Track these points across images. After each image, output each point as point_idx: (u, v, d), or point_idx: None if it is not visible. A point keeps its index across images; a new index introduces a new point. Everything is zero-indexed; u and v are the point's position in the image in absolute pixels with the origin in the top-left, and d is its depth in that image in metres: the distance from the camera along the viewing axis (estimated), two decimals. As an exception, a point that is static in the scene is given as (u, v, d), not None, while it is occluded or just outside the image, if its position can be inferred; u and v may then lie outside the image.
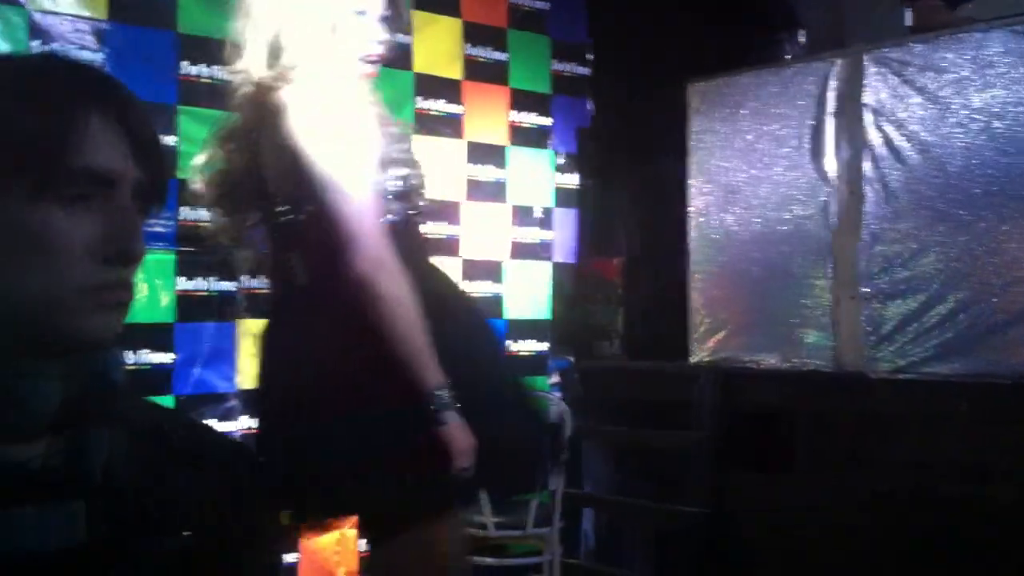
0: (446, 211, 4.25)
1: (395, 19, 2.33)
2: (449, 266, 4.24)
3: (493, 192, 4.40)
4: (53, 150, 0.83)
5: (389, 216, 2.13)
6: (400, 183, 2.23)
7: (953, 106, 3.42)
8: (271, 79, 2.10)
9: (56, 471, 0.84)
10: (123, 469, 0.88)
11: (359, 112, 2.16)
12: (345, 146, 2.07)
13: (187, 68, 3.64)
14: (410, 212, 2.28)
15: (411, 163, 2.34)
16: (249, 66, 2.14)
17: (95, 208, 0.85)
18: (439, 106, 4.26)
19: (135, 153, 0.88)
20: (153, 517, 0.89)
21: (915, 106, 3.51)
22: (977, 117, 3.37)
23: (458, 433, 1.99)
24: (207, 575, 0.92)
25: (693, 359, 4.05)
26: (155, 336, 3.51)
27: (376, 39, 2.27)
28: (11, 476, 0.82)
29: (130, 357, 3.42)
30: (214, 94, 3.67)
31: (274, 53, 2.11)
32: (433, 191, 4.14)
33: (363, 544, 3.92)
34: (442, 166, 4.24)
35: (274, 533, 1.08)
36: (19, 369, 0.83)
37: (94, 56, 3.38)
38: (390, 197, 2.17)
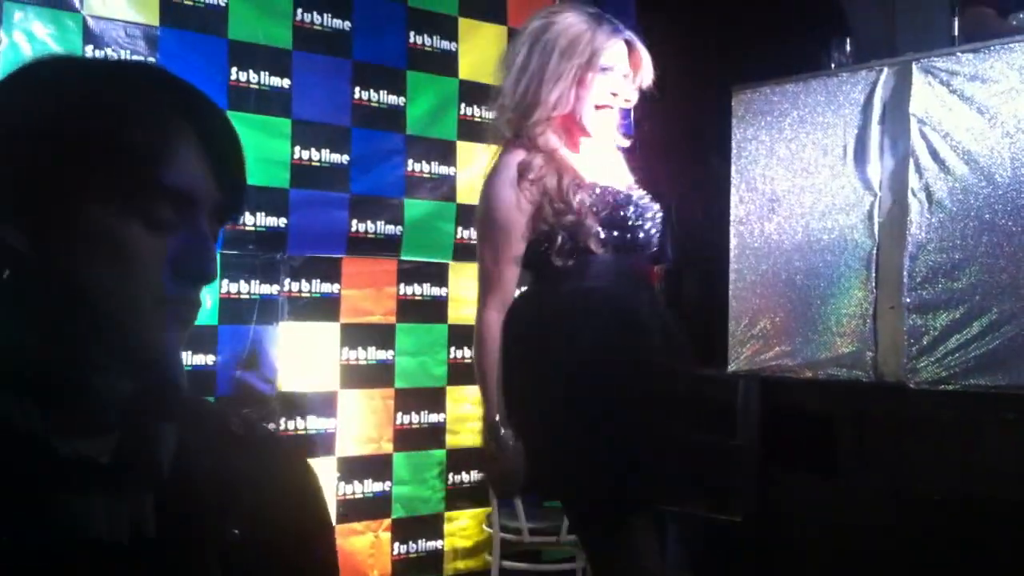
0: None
1: (635, 77, 2.64)
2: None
3: (534, 198, 4.40)
4: (146, 169, 0.86)
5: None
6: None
7: (1001, 116, 3.37)
8: (519, 122, 2.47)
9: (125, 465, 0.87)
10: (190, 463, 0.91)
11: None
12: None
13: (237, 74, 3.70)
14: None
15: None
16: (504, 108, 2.52)
17: (176, 226, 0.87)
18: (483, 113, 4.27)
19: (219, 173, 0.91)
20: (219, 510, 0.91)
21: (962, 116, 3.46)
22: (1025, 127, 3.32)
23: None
24: (269, 568, 0.94)
25: (731, 368, 4.02)
26: (198, 339, 3.57)
27: (613, 91, 2.55)
28: (82, 469, 0.84)
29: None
30: (263, 100, 3.74)
31: (525, 100, 2.46)
32: (475, 197, 4.20)
33: (397, 547, 3.96)
34: (485, 172, 4.26)
35: (332, 531, 1.10)
36: (93, 366, 0.86)
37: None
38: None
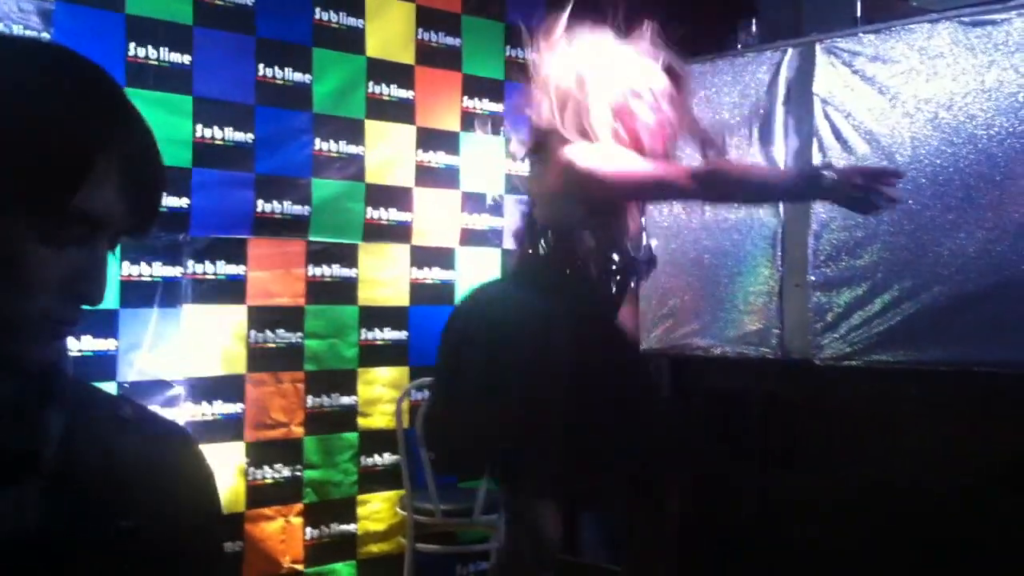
0: (398, 197, 4.22)
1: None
2: (399, 252, 4.22)
3: (444, 178, 4.37)
4: (55, 186, 0.80)
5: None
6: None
7: (901, 96, 3.44)
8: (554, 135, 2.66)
9: (6, 456, 0.83)
10: (76, 454, 0.87)
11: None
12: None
13: (135, 50, 3.59)
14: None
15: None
16: (541, 123, 2.70)
17: (75, 247, 0.83)
18: (391, 91, 4.23)
19: (133, 198, 0.86)
20: (107, 502, 0.88)
21: (864, 96, 3.53)
22: (924, 108, 3.40)
23: None
24: (157, 560, 0.91)
25: (643, 347, 4.06)
26: (98, 323, 3.47)
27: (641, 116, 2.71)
28: None
29: (73, 344, 3.37)
30: (162, 77, 3.64)
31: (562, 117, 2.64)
32: (384, 176, 4.16)
33: (309, 532, 3.92)
34: (394, 151, 4.22)
35: (221, 520, 1.07)
36: None
37: (40, 38, 3.32)
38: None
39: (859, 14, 3.85)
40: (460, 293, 4.39)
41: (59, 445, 0.86)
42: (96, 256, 0.85)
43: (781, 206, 3.70)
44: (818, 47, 3.65)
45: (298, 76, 3.97)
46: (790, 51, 3.75)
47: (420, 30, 4.32)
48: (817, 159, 3.60)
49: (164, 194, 0.91)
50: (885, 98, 3.47)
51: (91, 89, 0.86)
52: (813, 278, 3.58)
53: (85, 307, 0.87)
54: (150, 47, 3.63)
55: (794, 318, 3.66)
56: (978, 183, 3.27)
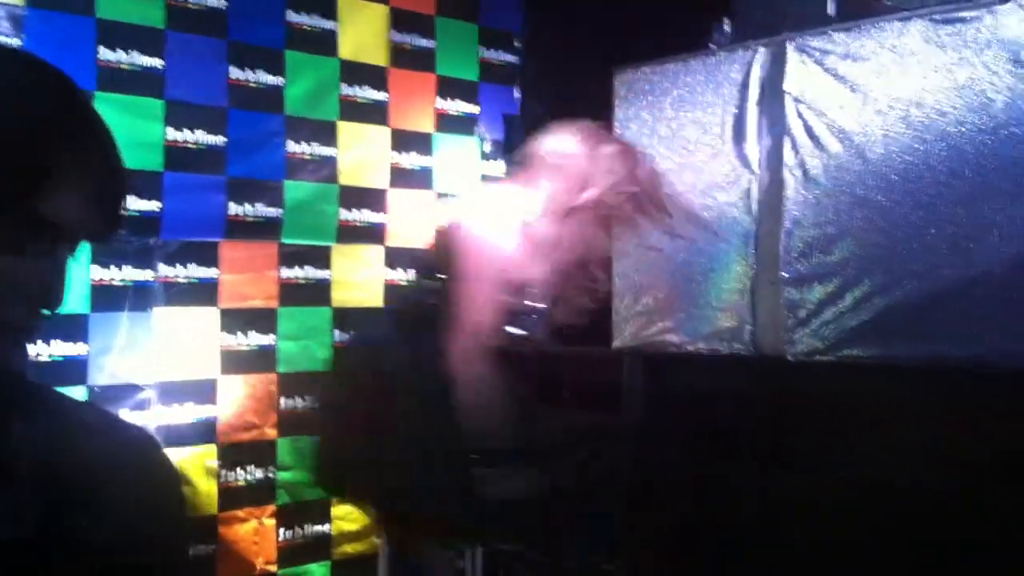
0: (371, 199, 4.21)
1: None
2: (374, 254, 4.21)
3: (419, 179, 4.37)
4: (17, 192, 0.79)
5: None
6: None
7: (873, 94, 3.44)
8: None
9: None
10: (37, 462, 0.84)
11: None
12: None
13: (106, 54, 3.58)
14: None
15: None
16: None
17: (35, 254, 0.82)
18: (365, 93, 4.22)
19: (96, 207, 0.85)
20: (68, 510, 0.85)
21: (836, 94, 3.53)
22: (896, 105, 3.40)
23: None
24: (121, 568, 0.89)
25: (616, 344, 4.05)
26: (68, 327, 3.45)
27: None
28: None
29: (43, 349, 3.35)
30: (134, 80, 3.62)
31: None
32: (358, 178, 4.15)
33: (283, 533, 3.90)
34: (367, 153, 4.21)
35: (191, 526, 1.05)
36: None
37: (11, 43, 3.31)
38: None
39: (833, 12, 3.85)
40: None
41: (19, 453, 0.83)
42: (56, 263, 0.84)
43: (754, 204, 3.70)
44: (789, 45, 3.65)
45: (271, 79, 3.97)
46: (761, 50, 3.76)
47: (394, 32, 4.32)
48: (790, 157, 3.60)
49: (126, 200, 0.90)
50: (857, 95, 3.47)
51: (51, 96, 0.85)
52: (786, 274, 3.58)
53: (50, 312, 0.85)
54: (121, 51, 3.63)
55: (767, 314, 3.66)
56: (949, 179, 3.27)
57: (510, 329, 2.93)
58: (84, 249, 0.90)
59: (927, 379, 3.27)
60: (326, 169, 4.08)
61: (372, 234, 4.19)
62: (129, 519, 0.90)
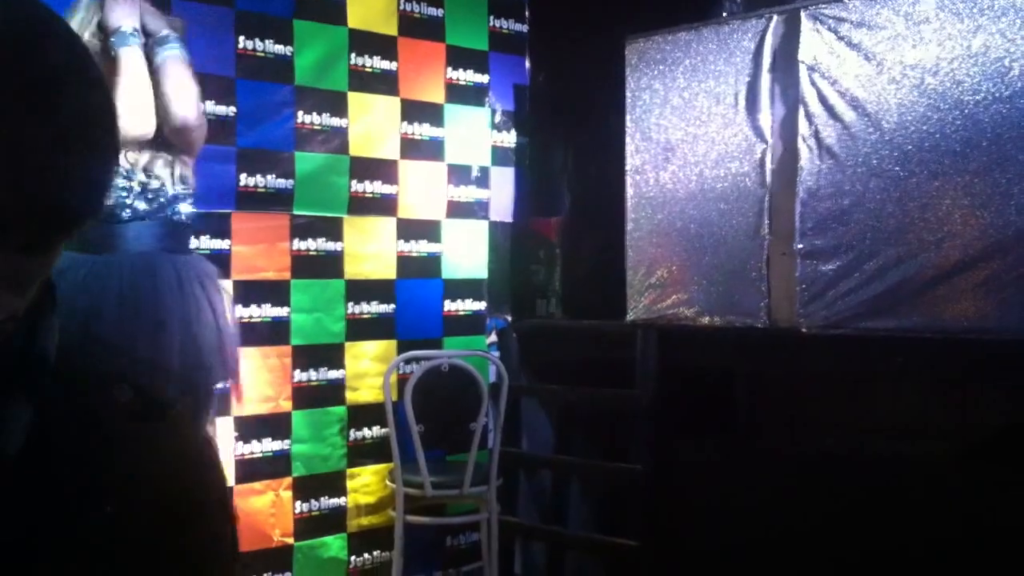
0: (382, 170, 4.19)
1: None
2: (385, 225, 4.20)
3: (429, 150, 4.34)
4: None
5: None
6: None
7: (887, 63, 3.42)
8: None
9: None
10: (53, 436, 0.81)
11: None
12: None
13: None
14: None
15: None
16: None
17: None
18: (374, 63, 4.19)
19: (64, 180, 0.69)
20: (85, 491, 0.81)
21: (850, 63, 3.51)
22: (911, 74, 3.38)
23: None
24: (148, 546, 0.84)
25: (630, 317, 4.05)
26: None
27: None
28: None
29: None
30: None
31: None
32: (368, 149, 4.13)
33: (299, 505, 3.92)
34: (378, 124, 4.18)
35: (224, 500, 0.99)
36: None
37: None
38: None
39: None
40: (447, 265, 4.38)
41: (26, 439, 0.78)
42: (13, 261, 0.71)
43: (768, 175, 3.69)
44: (803, 14, 3.62)
45: (279, 48, 3.93)
46: (775, 18, 3.73)
47: (402, 0, 4.27)
48: (804, 126, 3.58)
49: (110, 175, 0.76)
50: (871, 64, 3.45)
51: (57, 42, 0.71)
52: (800, 246, 3.57)
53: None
54: (129, 21, 3.58)
55: (781, 287, 3.65)
56: (964, 149, 3.26)
57: None
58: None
59: (942, 351, 3.26)
60: (336, 140, 4.05)
61: (384, 206, 4.17)
62: (162, 500, 0.86)
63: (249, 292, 3.82)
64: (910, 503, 3.33)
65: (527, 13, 4.68)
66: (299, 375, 3.94)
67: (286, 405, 3.90)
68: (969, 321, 3.19)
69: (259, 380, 3.83)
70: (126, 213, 2.72)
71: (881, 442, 3.39)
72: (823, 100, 3.56)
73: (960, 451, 3.29)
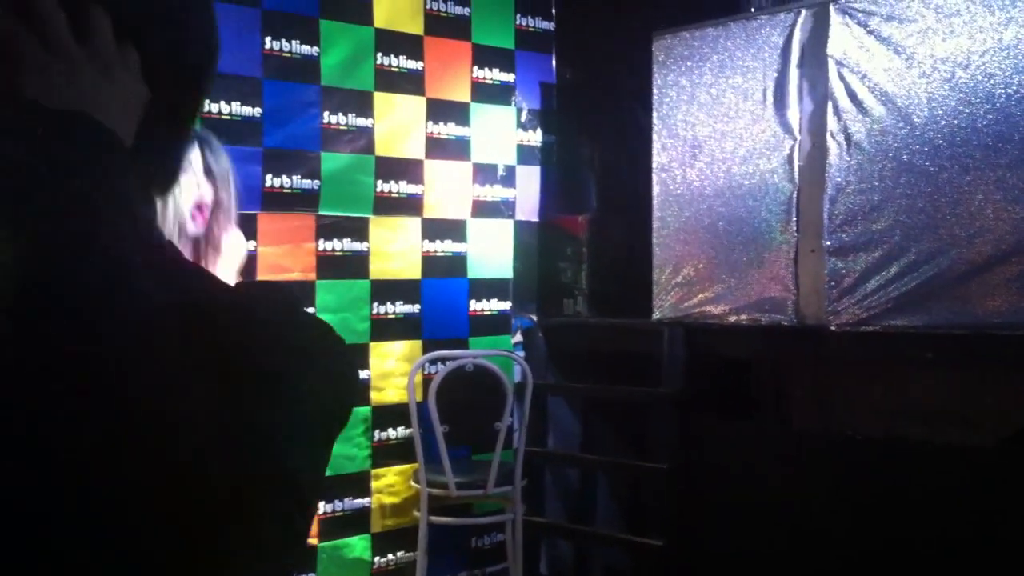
0: (408, 169, 4.18)
1: None
2: (411, 225, 4.19)
3: (455, 150, 4.33)
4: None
5: None
6: None
7: (917, 56, 3.37)
8: None
9: None
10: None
11: None
12: None
13: None
14: None
15: None
16: None
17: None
18: (400, 62, 4.18)
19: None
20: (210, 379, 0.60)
21: (880, 57, 3.46)
22: (941, 67, 3.33)
23: None
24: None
25: (657, 315, 4.01)
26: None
27: None
28: None
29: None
30: None
31: None
32: (394, 149, 4.12)
33: (323, 506, 3.91)
34: (403, 123, 4.18)
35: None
36: None
37: None
38: None
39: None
40: (472, 265, 4.37)
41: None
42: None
43: (796, 171, 3.64)
44: (832, 8, 3.57)
45: (305, 48, 3.93)
46: (804, 12, 3.68)
47: (428, -1, 4.27)
48: (833, 122, 3.53)
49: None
50: (901, 58, 3.40)
51: None
52: (829, 243, 3.52)
53: None
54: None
55: (809, 284, 3.61)
56: (996, 143, 3.20)
57: None
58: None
59: (974, 347, 3.20)
60: (362, 140, 4.05)
61: (409, 205, 4.17)
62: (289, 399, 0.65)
63: (275, 292, 3.82)
64: (938, 489, 3.26)
65: (553, 10, 4.66)
66: (324, 375, 3.94)
67: (311, 405, 3.90)
68: (1002, 316, 3.13)
69: (285, 380, 3.83)
70: None
71: (918, 428, 3.34)
72: (852, 95, 3.51)
73: (997, 440, 3.23)
